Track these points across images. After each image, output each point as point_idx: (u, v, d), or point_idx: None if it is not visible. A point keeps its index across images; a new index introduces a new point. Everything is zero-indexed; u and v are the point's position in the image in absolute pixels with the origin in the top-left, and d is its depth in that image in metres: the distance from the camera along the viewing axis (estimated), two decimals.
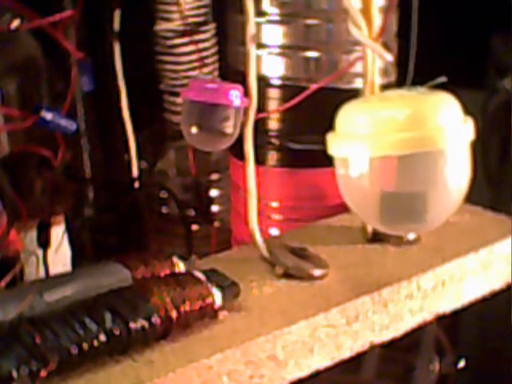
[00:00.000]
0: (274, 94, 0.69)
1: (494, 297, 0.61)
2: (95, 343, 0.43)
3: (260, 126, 0.64)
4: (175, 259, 0.52)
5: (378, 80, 0.58)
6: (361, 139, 0.54)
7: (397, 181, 0.55)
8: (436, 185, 0.55)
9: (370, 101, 0.57)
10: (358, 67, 0.63)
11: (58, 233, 0.68)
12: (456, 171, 0.55)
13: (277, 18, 0.67)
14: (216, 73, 0.83)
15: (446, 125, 0.53)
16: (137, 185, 0.82)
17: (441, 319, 0.58)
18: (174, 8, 0.79)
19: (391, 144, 0.53)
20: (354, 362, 0.55)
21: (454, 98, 0.54)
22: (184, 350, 0.46)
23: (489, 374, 0.84)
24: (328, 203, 0.68)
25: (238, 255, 0.60)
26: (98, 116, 0.77)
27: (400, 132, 0.53)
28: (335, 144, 0.56)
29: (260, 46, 0.67)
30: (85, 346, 0.42)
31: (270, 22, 0.68)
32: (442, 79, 0.54)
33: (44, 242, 0.66)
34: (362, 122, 0.54)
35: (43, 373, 0.41)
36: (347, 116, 0.55)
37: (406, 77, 0.61)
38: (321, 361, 0.51)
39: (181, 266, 0.52)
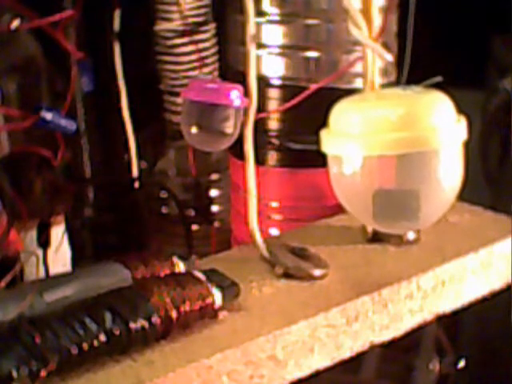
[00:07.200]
0: (274, 94, 0.69)
1: (494, 297, 0.61)
2: (95, 343, 0.43)
3: (260, 126, 0.64)
4: (175, 259, 0.52)
5: (378, 80, 0.58)
6: (354, 138, 0.54)
7: (390, 179, 0.55)
8: (429, 184, 0.55)
9: (364, 99, 0.57)
10: (358, 67, 0.64)
11: (58, 233, 0.68)
12: (449, 170, 0.55)
13: (277, 17, 0.67)
14: (216, 73, 0.83)
15: (440, 125, 0.53)
16: (137, 185, 0.82)
17: (441, 319, 0.58)
18: (174, 8, 0.79)
19: (385, 144, 0.53)
20: (354, 362, 0.55)
21: (448, 98, 0.54)
22: (184, 350, 0.46)
23: (489, 374, 0.84)
24: (328, 203, 0.68)
25: (238, 255, 0.60)
26: (97, 116, 0.77)
27: (394, 132, 0.53)
28: (329, 142, 0.56)
29: (260, 45, 0.67)
30: (85, 345, 0.42)
31: (269, 21, 0.68)
32: (438, 79, 0.54)
33: (44, 242, 0.66)
34: (356, 120, 0.54)
35: (43, 373, 0.40)
36: (341, 114, 0.55)
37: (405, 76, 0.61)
38: (321, 361, 0.51)
39: (181, 266, 0.52)
